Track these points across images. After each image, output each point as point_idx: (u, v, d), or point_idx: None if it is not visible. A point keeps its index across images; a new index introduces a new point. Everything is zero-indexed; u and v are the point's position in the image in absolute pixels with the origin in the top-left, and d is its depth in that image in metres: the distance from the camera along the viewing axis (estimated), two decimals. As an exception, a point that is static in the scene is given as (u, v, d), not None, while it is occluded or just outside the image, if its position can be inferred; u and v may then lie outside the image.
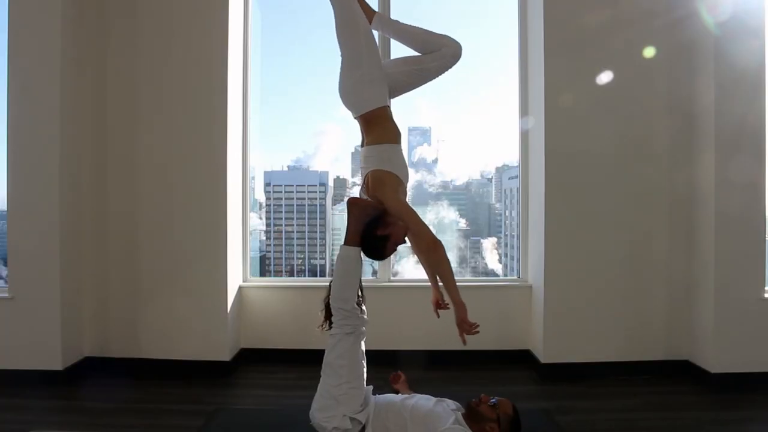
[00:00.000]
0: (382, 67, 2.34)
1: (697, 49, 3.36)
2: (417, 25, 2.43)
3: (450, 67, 2.38)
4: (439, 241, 2.15)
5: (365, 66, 2.24)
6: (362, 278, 2.34)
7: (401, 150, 2.34)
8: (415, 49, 2.42)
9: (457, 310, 2.16)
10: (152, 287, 3.52)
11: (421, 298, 3.79)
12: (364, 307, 2.33)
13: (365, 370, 2.28)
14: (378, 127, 2.28)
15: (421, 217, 2.21)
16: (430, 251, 2.19)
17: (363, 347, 2.29)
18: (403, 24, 2.48)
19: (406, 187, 2.32)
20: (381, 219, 2.20)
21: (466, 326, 2.15)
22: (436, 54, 2.34)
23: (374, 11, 2.46)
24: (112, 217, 3.55)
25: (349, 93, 2.30)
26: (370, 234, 2.20)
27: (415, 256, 2.65)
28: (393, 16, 3.82)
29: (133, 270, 3.53)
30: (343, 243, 2.25)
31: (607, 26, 3.40)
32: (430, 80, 2.43)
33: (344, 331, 2.21)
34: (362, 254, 2.25)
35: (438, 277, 2.23)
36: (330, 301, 2.26)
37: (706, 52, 3.27)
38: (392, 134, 2.30)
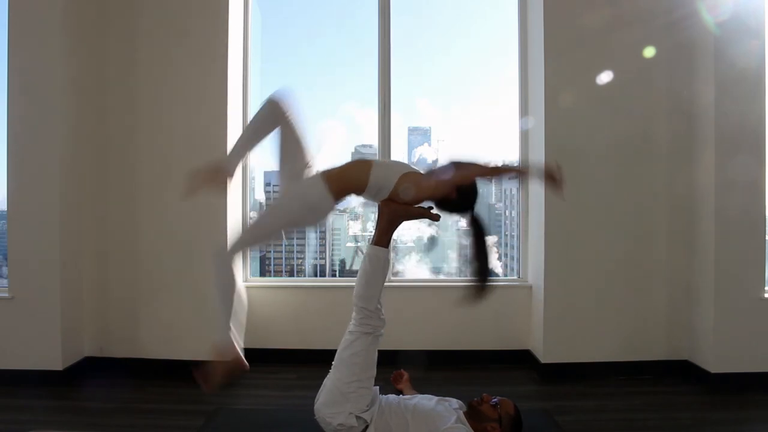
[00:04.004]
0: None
1: (697, 49, 3.36)
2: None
3: None
4: (491, 166, 2.09)
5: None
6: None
7: (380, 163, 2.24)
8: None
9: (541, 174, 2.07)
10: (152, 287, 3.52)
11: (421, 297, 3.81)
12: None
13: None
14: (348, 182, 2.15)
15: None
16: (491, 174, 2.14)
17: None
18: None
19: (417, 170, 2.23)
20: (443, 192, 2.11)
21: (556, 173, 2.01)
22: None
23: None
24: (112, 216, 3.55)
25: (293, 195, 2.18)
26: (450, 203, 2.15)
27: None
28: (393, 17, 3.84)
29: (133, 270, 3.53)
30: (371, 243, 2.23)
31: (607, 26, 3.40)
32: None
33: (363, 330, 2.20)
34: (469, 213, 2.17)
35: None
36: (353, 299, 2.25)
37: (706, 52, 3.27)
38: (362, 176, 2.14)
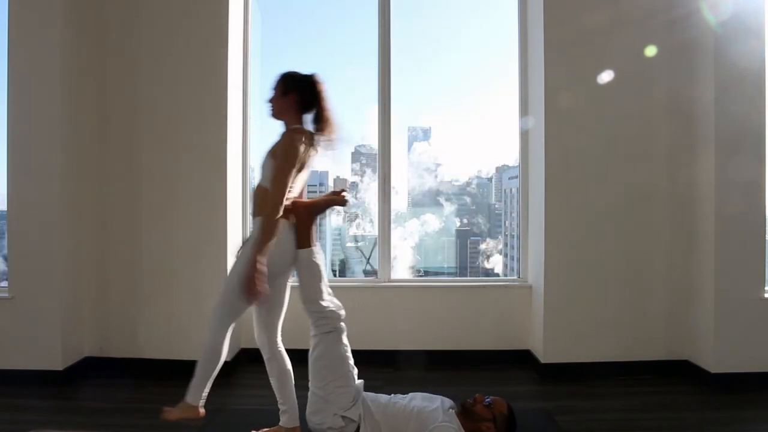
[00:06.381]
0: None
1: (697, 49, 3.36)
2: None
3: None
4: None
5: None
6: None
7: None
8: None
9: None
10: (152, 287, 3.52)
11: (420, 298, 3.81)
12: (336, 301, 2.36)
13: (351, 366, 2.28)
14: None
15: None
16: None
17: (345, 341, 2.30)
18: None
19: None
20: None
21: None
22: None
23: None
24: (112, 216, 3.55)
25: None
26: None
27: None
28: (393, 17, 3.84)
29: (133, 270, 3.53)
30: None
31: (607, 26, 3.40)
32: None
33: (322, 331, 2.24)
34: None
35: None
36: (303, 307, 2.29)
37: (706, 52, 3.27)
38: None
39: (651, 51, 3.43)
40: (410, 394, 2.31)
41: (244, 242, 2.36)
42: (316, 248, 2.30)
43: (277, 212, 2.11)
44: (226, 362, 3.45)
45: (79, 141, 3.44)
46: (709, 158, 3.25)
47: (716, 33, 3.17)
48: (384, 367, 3.53)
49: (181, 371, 3.40)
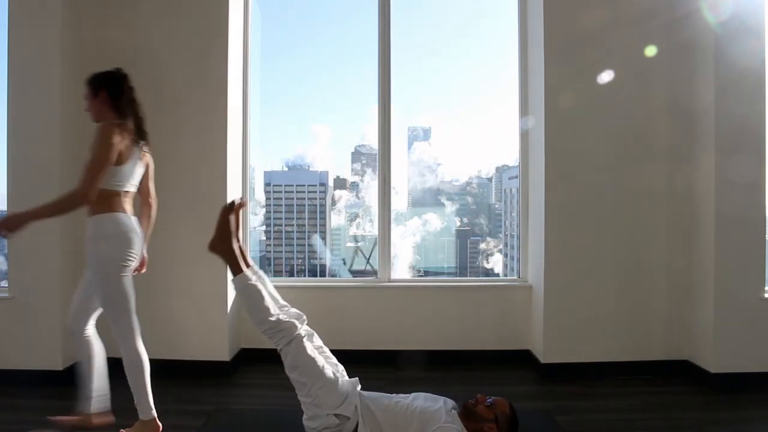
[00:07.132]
0: None
1: (697, 49, 3.36)
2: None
3: None
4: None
5: None
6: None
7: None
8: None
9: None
10: (152, 287, 3.50)
11: (420, 298, 3.81)
12: (294, 310, 2.36)
13: (328, 363, 2.26)
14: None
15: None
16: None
17: (313, 344, 2.29)
18: None
19: None
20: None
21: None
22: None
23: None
24: (112, 217, 3.54)
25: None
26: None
27: None
28: (393, 17, 3.84)
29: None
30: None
31: (607, 26, 3.40)
32: None
33: (283, 344, 2.23)
34: None
35: None
36: (257, 330, 2.30)
37: (706, 52, 3.27)
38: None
39: (651, 51, 3.43)
40: (413, 394, 2.30)
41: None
42: (250, 270, 2.31)
43: (82, 201, 2.22)
44: (225, 362, 3.49)
45: (79, 141, 3.43)
46: (709, 158, 3.25)
47: (716, 33, 3.17)
48: (384, 367, 3.53)
49: (180, 371, 3.42)
